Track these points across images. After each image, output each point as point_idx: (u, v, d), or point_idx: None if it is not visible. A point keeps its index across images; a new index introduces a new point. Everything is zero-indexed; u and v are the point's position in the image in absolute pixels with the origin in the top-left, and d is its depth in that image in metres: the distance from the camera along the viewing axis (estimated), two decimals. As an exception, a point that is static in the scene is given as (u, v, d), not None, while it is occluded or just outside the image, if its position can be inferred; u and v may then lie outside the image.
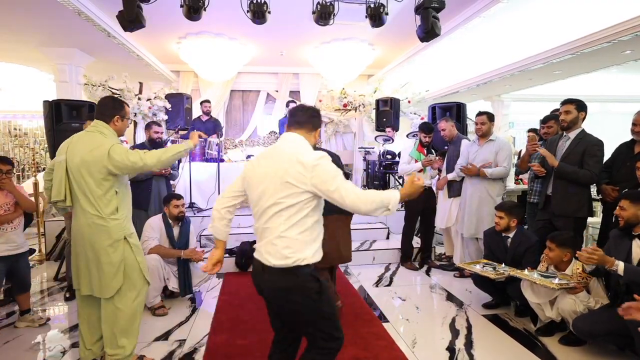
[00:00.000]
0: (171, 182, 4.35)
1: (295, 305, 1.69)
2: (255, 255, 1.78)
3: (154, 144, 4.06)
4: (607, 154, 3.42)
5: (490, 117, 3.98)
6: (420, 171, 4.35)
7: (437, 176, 4.51)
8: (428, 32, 4.08)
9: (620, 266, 2.36)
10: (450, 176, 4.26)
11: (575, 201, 3.23)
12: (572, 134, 3.29)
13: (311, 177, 1.63)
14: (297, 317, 1.73)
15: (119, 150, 2.22)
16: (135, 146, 4.13)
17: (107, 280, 2.25)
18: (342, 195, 1.62)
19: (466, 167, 3.93)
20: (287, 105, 7.24)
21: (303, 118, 1.84)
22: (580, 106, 3.27)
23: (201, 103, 7.07)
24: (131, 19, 3.77)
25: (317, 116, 1.89)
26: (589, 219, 4.53)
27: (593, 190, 3.54)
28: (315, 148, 1.87)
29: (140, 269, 2.37)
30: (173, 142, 6.05)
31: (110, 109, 2.36)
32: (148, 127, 4.17)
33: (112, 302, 2.29)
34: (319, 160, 1.65)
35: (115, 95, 6.15)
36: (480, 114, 4.01)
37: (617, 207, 2.59)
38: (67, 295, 3.64)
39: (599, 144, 3.21)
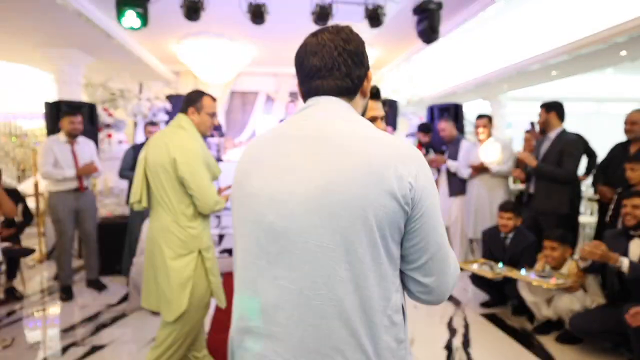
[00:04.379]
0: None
1: None
2: None
3: None
4: (603, 155, 3.44)
5: (490, 120, 4.05)
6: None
7: (436, 175, 4.54)
8: (431, 33, 4.14)
9: (625, 262, 2.32)
10: (452, 166, 4.21)
11: (556, 198, 3.27)
12: (553, 134, 3.36)
13: None
14: None
15: (185, 165, 1.91)
16: (135, 146, 4.15)
17: (171, 299, 1.91)
18: None
19: (475, 165, 3.90)
20: (287, 108, 7.24)
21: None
22: (548, 107, 3.34)
23: (200, 103, 7.05)
24: (145, 19, 3.79)
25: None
26: (586, 220, 4.58)
27: (591, 191, 3.56)
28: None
29: (204, 293, 2.01)
30: None
31: (186, 99, 2.07)
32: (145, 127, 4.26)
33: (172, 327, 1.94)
34: None
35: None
36: (479, 117, 4.05)
37: (630, 206, 2.49)
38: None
39: (575, 143, 3.27)
